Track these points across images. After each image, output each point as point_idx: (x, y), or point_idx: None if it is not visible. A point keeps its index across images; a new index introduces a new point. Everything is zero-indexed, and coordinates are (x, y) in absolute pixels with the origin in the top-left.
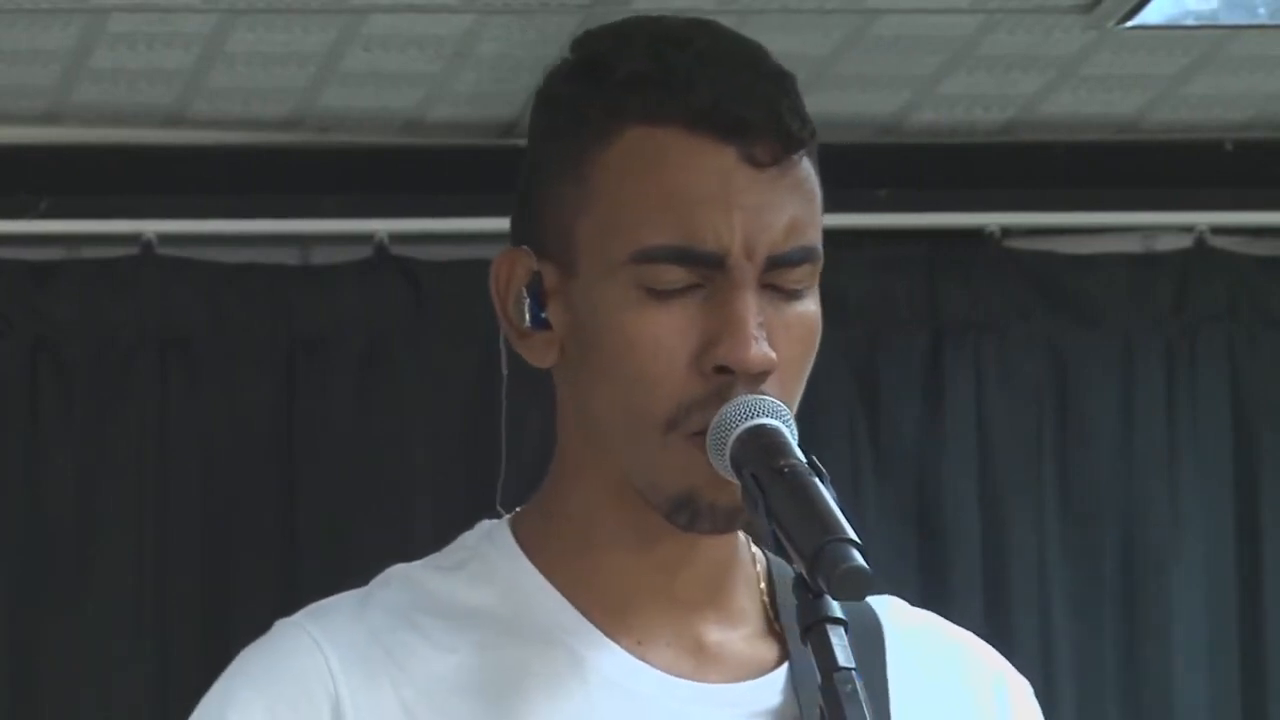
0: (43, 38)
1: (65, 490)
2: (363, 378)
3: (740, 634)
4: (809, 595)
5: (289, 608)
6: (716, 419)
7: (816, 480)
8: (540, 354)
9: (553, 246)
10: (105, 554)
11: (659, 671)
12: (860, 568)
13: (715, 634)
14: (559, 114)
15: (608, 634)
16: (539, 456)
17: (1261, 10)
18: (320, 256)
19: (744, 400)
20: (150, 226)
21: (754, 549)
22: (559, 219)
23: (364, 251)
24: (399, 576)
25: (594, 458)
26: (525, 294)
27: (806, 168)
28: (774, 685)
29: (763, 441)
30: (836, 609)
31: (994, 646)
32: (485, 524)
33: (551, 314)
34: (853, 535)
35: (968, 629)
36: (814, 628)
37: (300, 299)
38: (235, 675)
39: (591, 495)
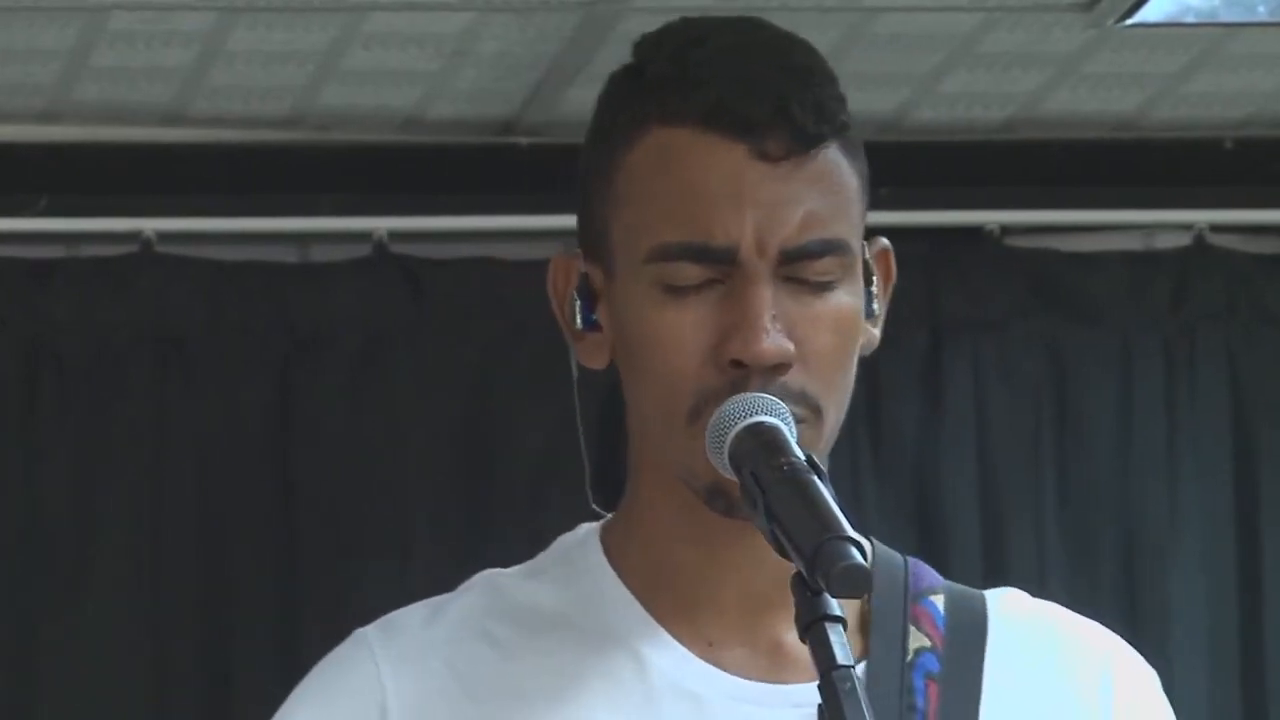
0: (42, 36)
1: (62, 489)
2: (361, 376)
3: None
4: (808, 593)
5: (286, 606)
6: (715, 417)
7: (815, 478)
8: (592, 355)
9: (596, 249)
10: (103, 553)
11: (724, 673)
12: (859, 565)
13: (793, 633)
14: (597, 119)
15: (677, 635)
16: (540, 461)
17: (1261, 8)
18: (319, 255)
19: (742, 398)
20: (149, 225)
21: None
22: (598, 223)
23: (363, 250)
24: (482, 582)
25: (649, 455)
26: (576, 296)
27: (831, 160)
28: None
29: (761, 439)
30: (835, 607)
31: None
32: (583, 527)
33: (601, 315)
34: (852, 533)
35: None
36: (813, 626)
37: (299, 297)
38: (303, 687)
39: (653, 493)
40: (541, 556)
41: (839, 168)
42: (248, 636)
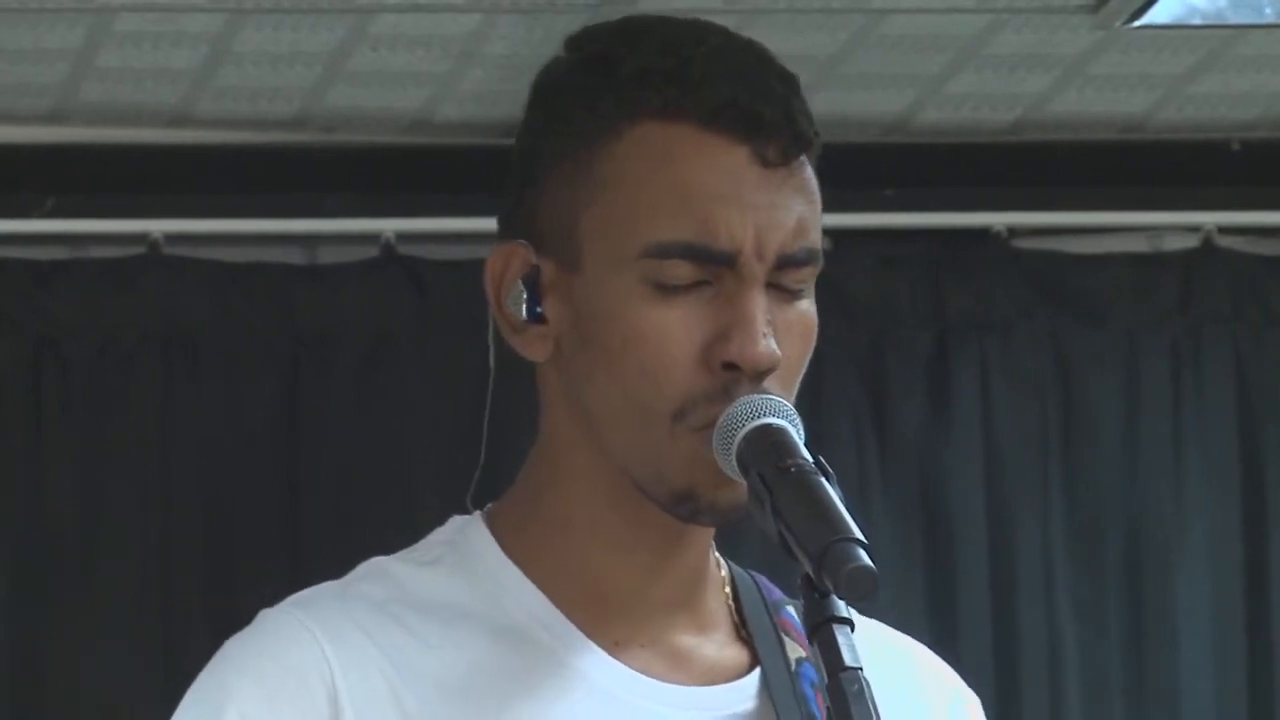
0: (49, 37)
1: (69, 490)
2: (368, 377)
3: (711, 638)
4: (815, 595)
5: None
6: (723, 418)
7: (823, 480)
8: (535, 348)
9: (553, 240)
10: (109, 554)
11: (636, 673)
12: (866, 567)
13: (688, 638)
14: (564, 108)
15: (588, 634)
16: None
17: (1268, 10)
18: (326, 256)
19: (750, 400)
20: (156, 226)
21: (716, 554)
22: (561, 213)
23: (370, 251)
24: (376, 570)
25: (587, 453)
26: (522, 287)
27: (809, 170)
28: (747, 689)
29: (769, 441)
30: (842, 608)
31: (999, 645)
32: (457, 519)
33: (548, 308)
34: (859, 535)
35: (973, 627)
36: (821, 627)
37: (306, 298)
38: (228, 667)
39: (580, 491)
40: (425, 544)
41: (813, 178)
42: None
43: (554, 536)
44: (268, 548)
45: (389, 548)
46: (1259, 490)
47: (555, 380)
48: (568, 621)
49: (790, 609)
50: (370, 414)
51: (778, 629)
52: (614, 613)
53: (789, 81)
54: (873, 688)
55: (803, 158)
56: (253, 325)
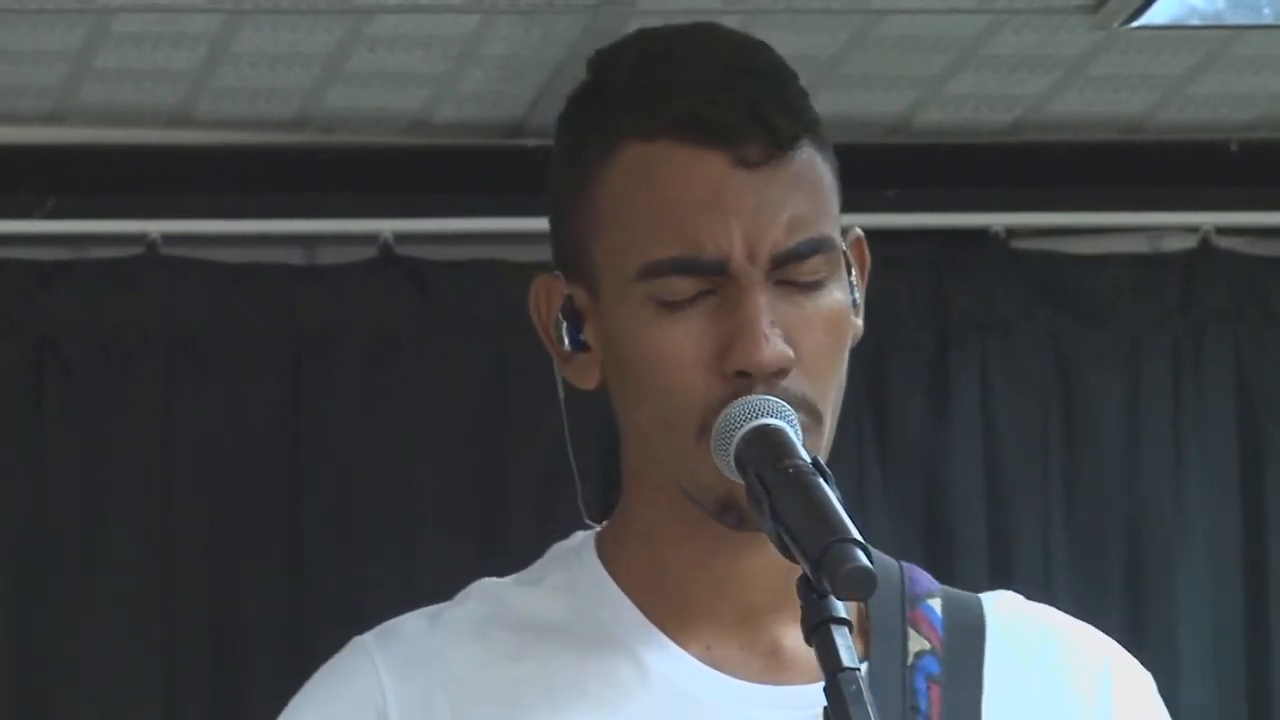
0: (48, 38)
1: (70, 490)
2: (368, 378)
3: None
4: (813, 596)
5: (295, 606)
6: (720, 420)
7: (820, 480)
8: (583, 375)
9: (579, 270)
10: (111, 554)
11: (724, 675)
12: (864, 568)
13: (792, 636)
14: (569, 137)
15: (677, 640)
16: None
17: (1267, 10)
18: (325, 256)
19: (746, 401)
20: (155, 227)
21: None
22: (578, 242)
23: (369, 252)
24: (479, 590)
25: (648, 469)
26: (562, 318)
27: (806, 159)
28: None
29: (767, 442)
30: (841, 609)
31: None
32: (578, 535)
33: (589, 335)
34: (857, 535)
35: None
36: (818, 628)
37: (305, 299)
38: (302, 695)
39: (652, 506)
40: (537, 565)
41: (814, 165)
42: (256, 637)
43: (642, 550)
44: (269, 548)
45: (390, 547)
46: (1259, 490)
47: (615, 404)
48: (656, 630)
49: (932, 602)
50: (370, 414)
51: (906, 621)
52: (705, 619)
53: (768, 77)
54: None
55: (795, 149)
56: (253, 325)
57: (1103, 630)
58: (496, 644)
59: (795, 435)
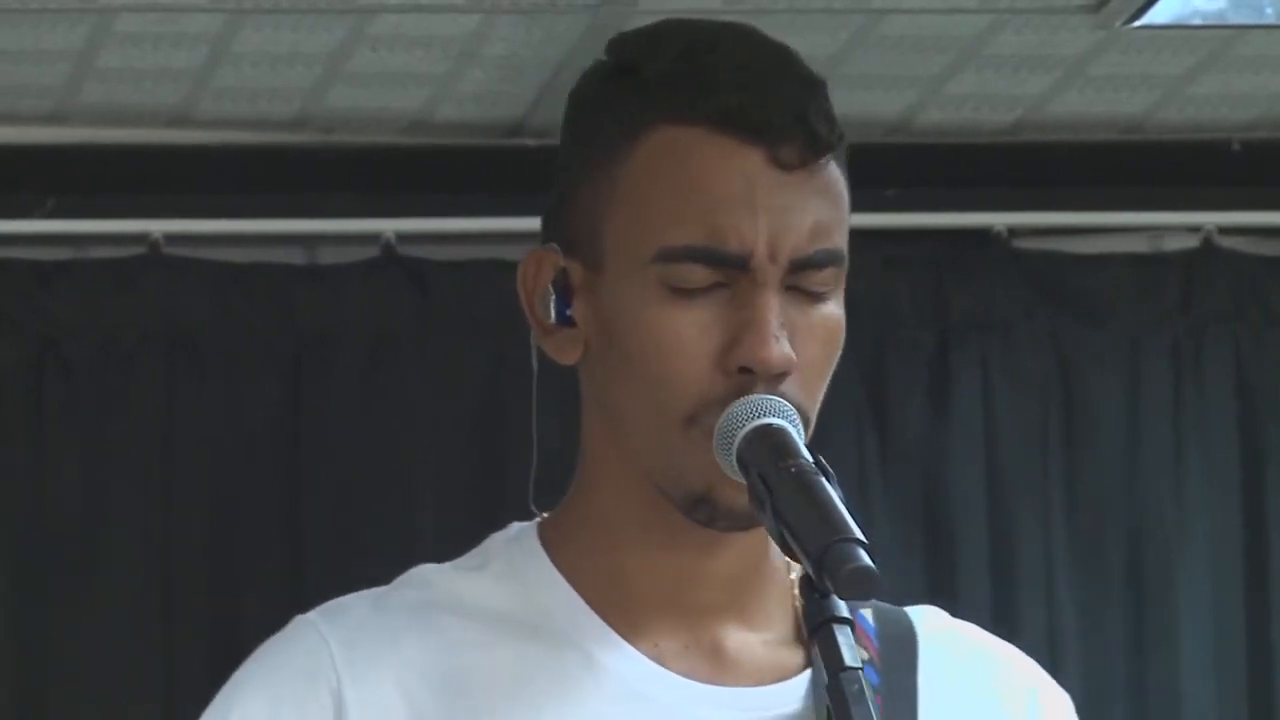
0: (50, 37)
1: (70, 490)
2: (369, 377)
3: (762, 639)
4: (815, 595)
5: (296, 606)
6: (723, 418)
7: (823, 480)
8: (565, 350)
9: (580, 244)
10: (111, 554)
11: (672, 674)
12: (866, 567)
13: (735, 638)
14: (590, 114)
15: (624, 636)
16: (560, 456)
17: (1269, 10)
18: (326, 256)
19: (751, 400)
20: (156, 226)
21: (786, 556)
22: (587, 217)
23: (370, 251)
24: (420, 576)
25: (617, 456)
26: (551, 290)
27: (833, 171)
28: (794, 691)
29: (770, 441)
30: (843, 608)
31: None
32: (515, 526)
33: (577, 310)
34: (859, 535)
35: (974, 627)
36: (821, 627)
37: (306, 299)
38: (246, 671)
39: (614, 495)
40: (475, 553)
41: (838, 179)
42: (256, 637)
43: (594, 541)
44: (269, 547)
45: (390, 546)
46: (1260, 490)
47: (587, 383)
48: (604, 625)
49: (866, 611)
50: (371, 414)
51: None
52: (653, 615)
53: (810, 84)
54: (946, 688)
55: (824, 160)
56: (253, 325)
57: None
58: (443, 630)
59: (798, 435)
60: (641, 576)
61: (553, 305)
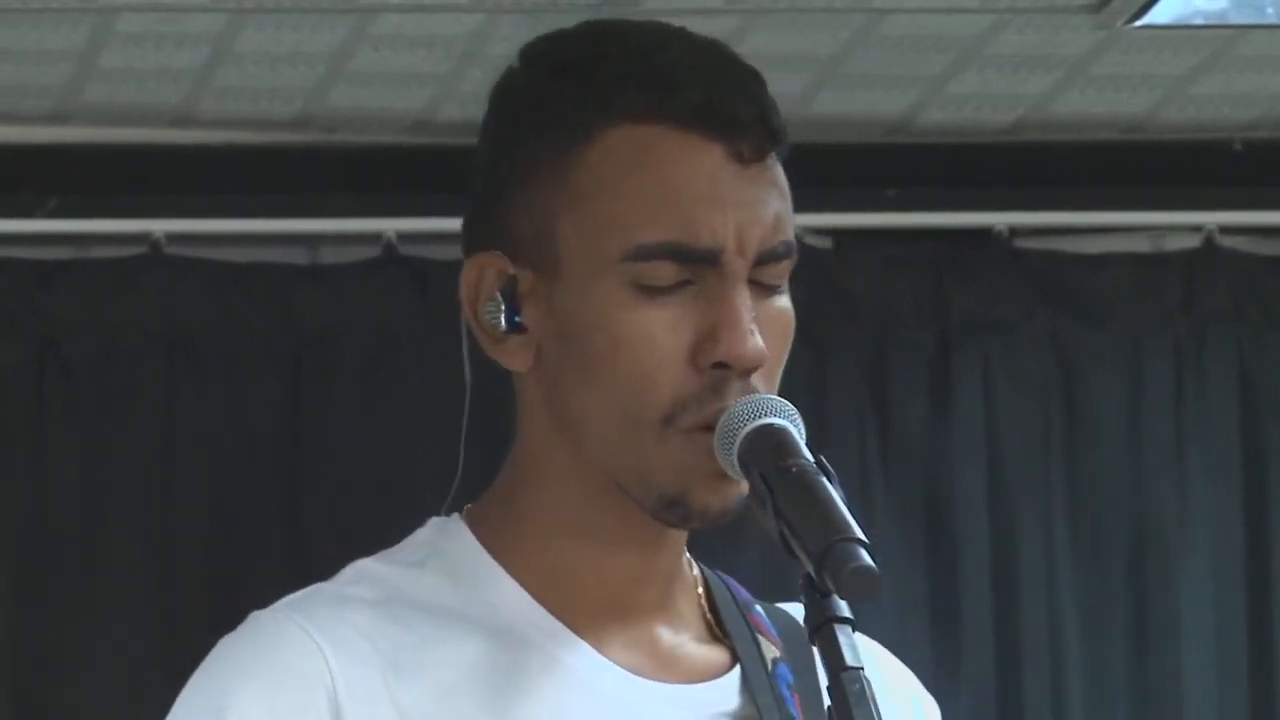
0: (51, 37)
1: (71, 490)
2: (370, 377)
3: (687, 638)
4: (817, 595)
5: None
6: (725, 418)
7: (824, 480)
8: (515, 358)
9: (529, 249)
10: (111, 554)
11: (626, 671)
12: (868, 567)
13: (666, 637)
14: (533, 116)
15: (576, 633)
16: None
17: (1270, 10)
18: (328, 256)
19: (752, 400)
20: (158, 226)
21: (688, 555)
22: (536, 220)
23: (372, 251)
24: (365, 572)
25: (569, 459)
26: (500, 298)
27: (778, 165)
28: (729, 688)
29: (771, 441)
30: (844, 608)
31: (1001, 645)
32: (435, 520)
33: (527, 317)
34: (860, 535)
35: (975, 628)
36: (822, 627)
37: (308, 298)
38: (227, 670)
39: (564, 495)
40: (407, 547)
41: (783, 173)
42: None
43: (538, 539)
44: (270, 547)
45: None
46: (1261, 490)
47: (534, 388)
48: (557, 621)
49: (760, 608)
50: (372, 414)
51: (752, 629)
52: (601, 613)
53: (758, 79)
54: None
55: (778, 152)
56: (254, 325)
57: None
58: (408, 626)
59: (799, 435)
60: (591, 574)
61: (502, 313)
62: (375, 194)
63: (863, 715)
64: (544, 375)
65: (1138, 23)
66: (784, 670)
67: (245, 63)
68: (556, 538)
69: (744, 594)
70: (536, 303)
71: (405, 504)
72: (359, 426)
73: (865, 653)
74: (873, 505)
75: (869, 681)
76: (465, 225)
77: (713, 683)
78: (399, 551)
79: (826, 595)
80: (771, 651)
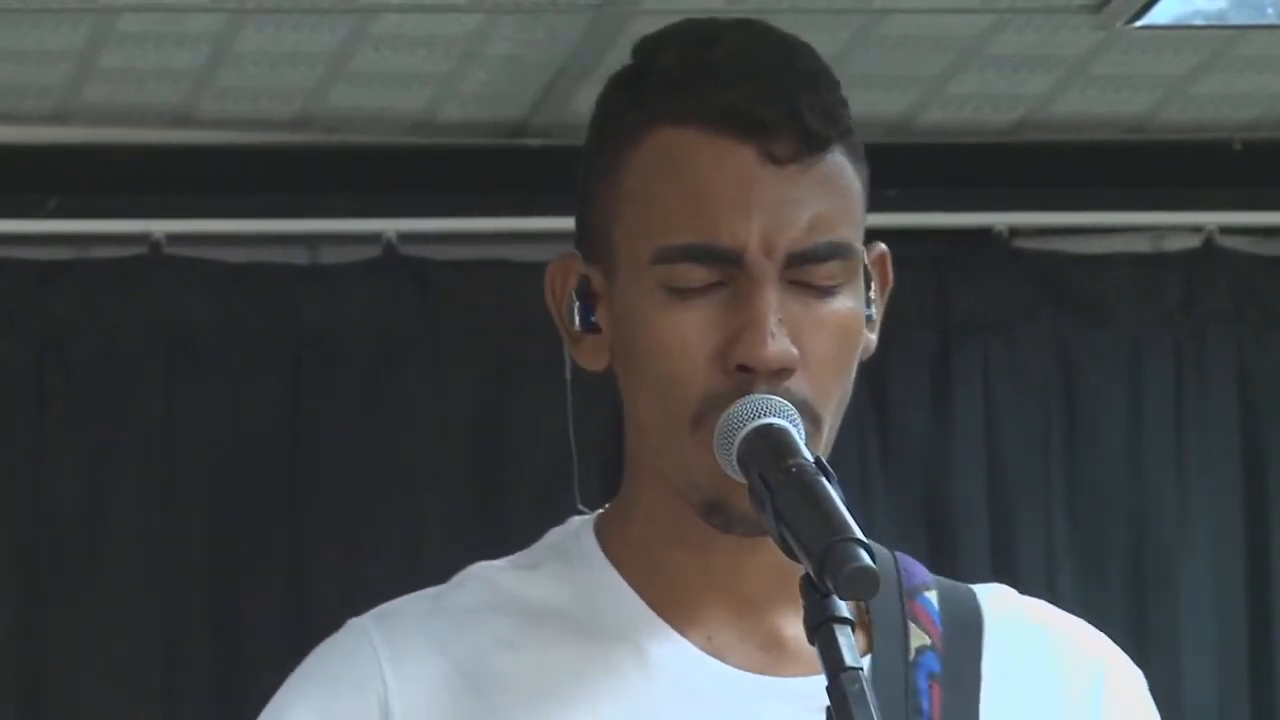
0: (52, 37)
1: (72, 490)
2: (371, 377)
3: None
4: (816, 595)
5: (296, 606)
6: (724, 419)
7: (824, 480)
8: (591, 357)
9: (597, 250)
10: (112, 554)
11: (726, 666)
12: (867, 567)
13: (792, 628)
14: (600, 120)
15: (678, 629)
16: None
17: (1270, 10)
18: (328, 256)
19: (751, 400)
20: (158, 226)
21: None
22: (600, 223)
23: (372, 251)
24: (475, 575)
25: (647, 457)
26: (575, 298)
27: (836, 163)
28: None
29: (770, 441)
30: (844, 608)
31: None
32: (574, 521)
33: (600, 317)
34: (860, 535)
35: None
36: (821, 627)
37: (308, 299)
38: (299, 676)
39: (651, 494)
40: (534, 549)
41: (844, 171)
42: (256, 637)
43: (643, 538)
44: (271, 547)
45: (391, 546)
46: (1261, 490)
47: (622, 389)
48: (659, 619)
49: (930, 595)
50: (373, 413)
51: (905, 615)
52: (705, 609)
53: (810, 78)
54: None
55: (826, 153)
56: (255, 325)
57: (1105, 631)
58: (496, 631)
59: (799, 435)
60: (690, 570)
61: (577, 313)
62: (375, 194)
63: (862, 715)
64: (619, 375)
65: (1138, 23)
66: (929, 660)
67: (245, 63)
68: (657, 537)
69: (919, 577)
70: (605, 303)
71: (405, 502)
72: (359, 426)
73: (1047, 626)
74: (873, 505)
75: (869, 681)
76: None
77: None
78: (525, 554)
79: (826, 595)
80: (920, 639)
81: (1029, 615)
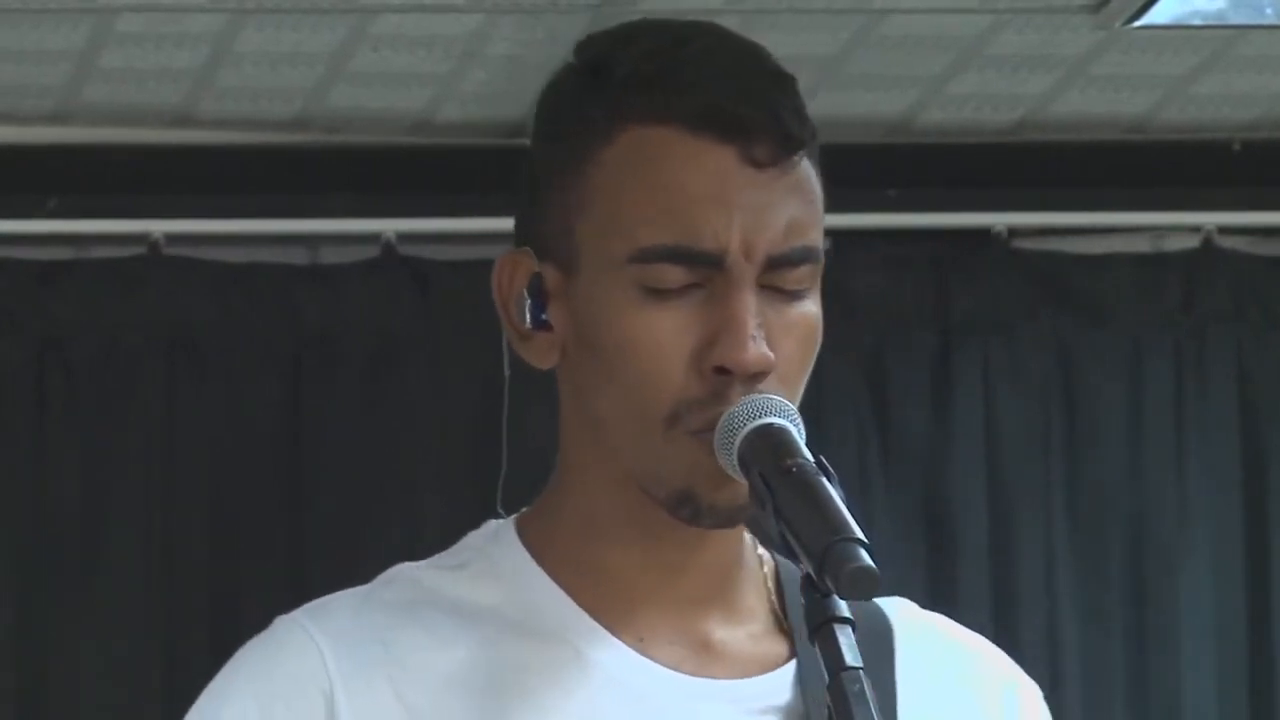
0: (51, 37)
1: (72, 490)
2: (370, 377)
3: (746, 631)
4: (817, 595)
5: (297, 606)
6: (725, 418)
7: (824, 480)
8: (542, 355)
9: (554, 247)
10: (112, 554)
11: (662, 667)
12: (868, 567)
13: (720, 631)
14: (561, 115)
15: (611, 631)
16: (540, 457)
17: (1269, 10)
18: (328, 256)
19: (752, 399)
20: (158, 226)
21: (760, 550)
22: (559, 220)
23: (372, 251)
24: (402, 575)
25: (597, 456)
26: (526, 295)
27: (806, 168)
28: (781, 681)
29: (771, 441)
30: (844, 608)
31: (1001, 646)
32: (491, 524)
33: (552, 315)
34: (860, 535)
35: (975, 628)
36: (822, 627)
37: (308, 299)
38: (232, 672)
39: (594, 494)
40: (454, 550)
41: (811, 176)
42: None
43: (576, 538)
44: (270, 548)
45: (392, 546)
46: (1261, 491)
47: (566, 386)
48: (592, 620)
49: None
50: (373, 413)
51: None
52: (639, 610)
53: (781, 81)
54: (924, 683)
55: (798, 157)
56: (255, 325)
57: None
58: (432, 627)
59: (799, 435)
60: (626, 570)
61: (528, 310)
62: (375, 194)
63: (862, 715)
64: (570, 373)
65: (1138, 23)
66: None
67: (245, 63)
68: (593, 537)
69: None
70: (560, 300)
71: (405, 502)
72: (359, 426)
73: (956, 642)
74: (873, 505)
75: (869, 681)
76: (515, 221)
77: (764, 676)
78: (445, 555)
79: (826, 595)
80: None
81: (937, 629)
